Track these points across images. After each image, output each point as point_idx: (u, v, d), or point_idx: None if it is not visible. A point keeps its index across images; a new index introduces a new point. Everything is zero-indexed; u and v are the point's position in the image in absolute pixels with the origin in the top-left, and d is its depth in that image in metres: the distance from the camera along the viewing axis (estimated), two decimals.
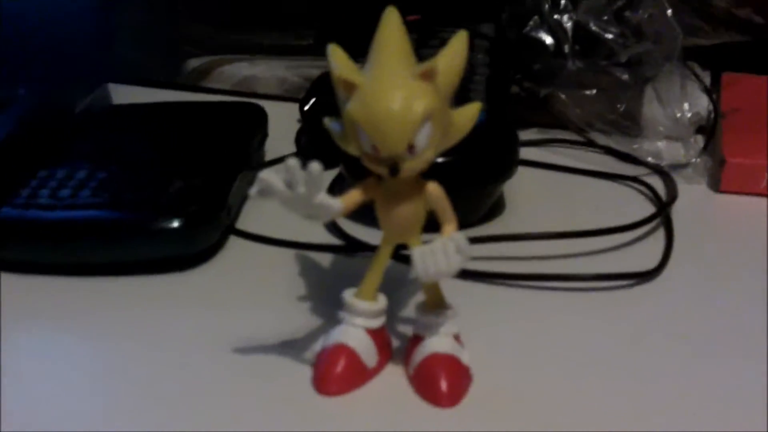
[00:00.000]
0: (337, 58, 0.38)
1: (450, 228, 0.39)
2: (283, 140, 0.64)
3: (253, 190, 0.36)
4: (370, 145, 0.37)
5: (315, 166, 0.35)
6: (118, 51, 0.75)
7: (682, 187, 0.58)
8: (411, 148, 0.36)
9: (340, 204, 0.37)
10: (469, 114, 0.39)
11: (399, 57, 0.37)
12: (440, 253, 0.37)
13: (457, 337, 0.41)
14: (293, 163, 0.35)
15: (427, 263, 0.37)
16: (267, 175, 0.36)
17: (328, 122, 0.39)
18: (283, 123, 0.66)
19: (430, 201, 0.39)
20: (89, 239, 0.48)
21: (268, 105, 0.66)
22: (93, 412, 0.40)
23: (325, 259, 0.51)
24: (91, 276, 0.49)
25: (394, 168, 0.37)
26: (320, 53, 0.71)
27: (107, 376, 0.42)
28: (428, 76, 0.36)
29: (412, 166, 0.37)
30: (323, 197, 0.36)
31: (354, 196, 0.39)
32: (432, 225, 0.39)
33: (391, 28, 0.37)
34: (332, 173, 0.57)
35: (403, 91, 0.36)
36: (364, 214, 0.40)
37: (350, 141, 0.38)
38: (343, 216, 0.38)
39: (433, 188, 0.39)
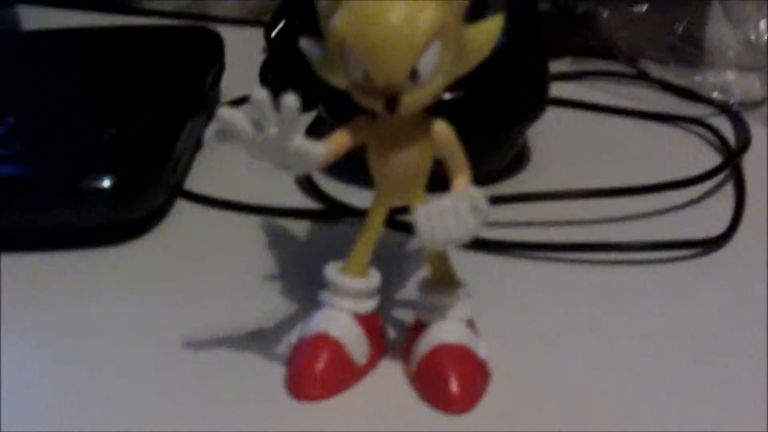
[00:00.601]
0: None
1: (462, 182, 0.38)
2: (245, 75, 0.63)
3: (209, 132, 0.35)
4: (362, 72, 0.36)
5: (291, 99, 0.34)
6: None
7: (756, 132, 0.58)
8: (414, 74, 0.36)
9: (321, 149, 0.37)
10: (489, 31, 0.38)
11: None
12: (451, 214, 0.37)
13: (471, 324, 0.41)
14: (262, 96, 0.34)
15: (434, 226, 0.37)
16: (228, 113, 0.35)
17: (307, 45, 0.39)
18: (243, 53, 0.65)
19: (437, 146, 0.38)
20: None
21: (224, 30, 0.65)
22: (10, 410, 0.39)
23: (299, 227, 0.51)
24: (6, 251, 0.48)
25: (392, 101, 0.36)
26: None
27: (30, 370, 0.42)
28: None
29: (415, 100, 0.36)
30: (300, 140, 0.36)
31: (340, 141, 0.38)
32: (433, 183, 0.39)
33: None
34: (309, 117, 0.56)
35: (405, 1, 0.35)
36: (348, 169, 0.40)
37: (336, 69, 0.37)
38: (324, 165, 0.38)
39: (442, 129, 0.38)
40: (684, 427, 0.38)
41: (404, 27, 0.35)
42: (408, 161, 0.38)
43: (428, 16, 0.35)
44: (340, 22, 0.36)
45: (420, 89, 0.36)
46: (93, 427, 0.39)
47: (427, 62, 0.36)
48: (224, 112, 0.35)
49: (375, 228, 0.40)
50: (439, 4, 0.35)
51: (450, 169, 0.39)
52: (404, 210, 0.39)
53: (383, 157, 0.38)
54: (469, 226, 0.37)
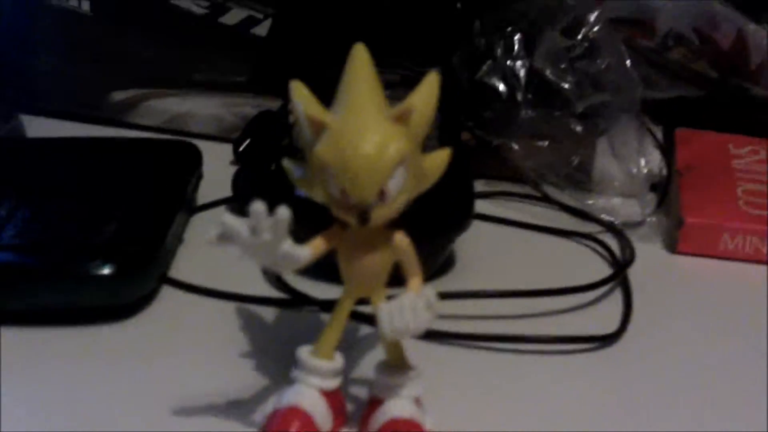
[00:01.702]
0: (301, 96, 0.38)
1: (416, 281, 0.38)
2: (216, 182, 0.62)
3: (212, 234, 0.35)
4: (338, 190, 0.36)
5: (283, 211, 0.34)
6: (34, 80, 0.73)
7: (638, 247, 0.58)
8: (382, 194, 0.36)
9: (308, 252, 0.36)
10: (439, 160, 0.39)
11: (370, 97, 0.36)
12: (408, 310, 0.36)
13: (418, 401, 0.40)
14: (259, 207, 0.34)
15: (394, 320, 0.36)
16: (230, 220, 0.35)
17: (289, 165, 0.38)
18: (215, 164, 0.65)
19: (397, 252, 0.38)
20: (12, 285, 0.46)
21: (199, 145, 0.65)
22: None
23: (267, 313, 0.50)
24: (10, 325, 0.46)
25: (363, 215, 0.36)
26: (257, 91, 0.71)
27: None
28: (402, 119, 0.36)
29: (382, 214, 0.36)
30: (289, 246, 0.35)
31: (318, 245, 0.38)
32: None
33: (361, 65, 0.37)
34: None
35: (377, 134, 0.35)
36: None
37: (315, 185, 0.37)
38: (307, 265, 0.37)
39: (401, 238, 0.38)
40: None
41: (376, 155, 0.35)
42: (372, 264, 0.38)
43: (396, 146, 0.35)
44: (322, 148, 0.36)
45: (387, 206, 0.36)
46: None
47: (394, 184, 0.36)
48: (228, 219, 0.35)
49: (342, 318, 0.40)
50: (404, 137, 0.36)
51: (407, 270, 0.39)
52: (364, 302, 0.39)
53: (352, 260, 0.38)
54: (425, 320, 0.36)
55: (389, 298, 0.38)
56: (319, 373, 0.39)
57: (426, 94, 0.38)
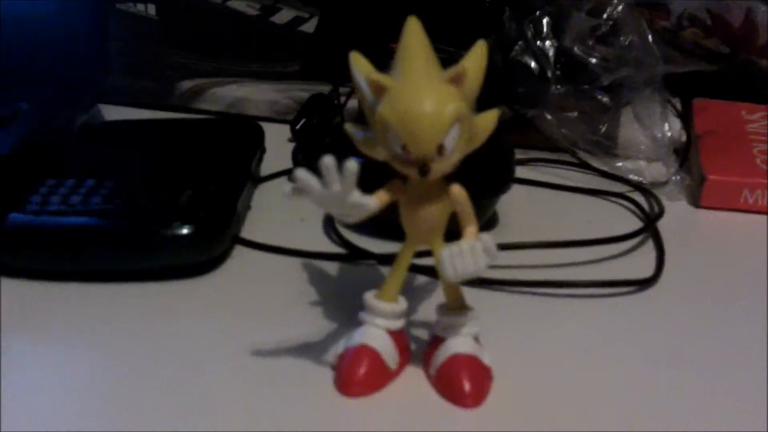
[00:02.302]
0: (361, 65, 0.37)
1: (472, 229, 0.37)
2: (276, 159, 0.62)
3: (287, 189, 0.34)
4: (400, 147, 0.35)
5: (351, 164, 0.34)
6: (111, 75, 0.73)
7: (665, 203, 0.57)
8: (440, 149, 0.35)
9: (374, 201, 0.36)
10: (489, 119, 0.38)
11: (426, 62, 0.36)
12: (468, 254, 0.36)
13: (477, 339, 0.39)
14: (329, 161, 0.33)
15: (455, 264, 0.36)
16: (303, 174, 0.34)
17: (351, 128, 0.38)
18: (274, 142, 0.64)
19: (454, 203, 0.37)
20: (100, 246, 0.46)
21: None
22: (106, 420, 0.37)
23: (328, 267, 0.49)
24: (99, 282, 0.46)
25: (424, 168, 0.35)
26: (307, 78, 0.71)
27: (120, 383, 0.39)
28: (457, 81, 0.35)
29: (440, 167, 0.36)
30: (358, 195, 0.35)
31: (383, 197, 0.37)
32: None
33: (415, 35, 0.36)
34: None
35: (435, 94, 0.35)
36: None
37: (376, 145, 0.36)
38: (374, 213, 0.37)
39: (458, 190, 0.37)
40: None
41: (434, 114, 0.34)
42: (432, 215, 0.38)
43: (451, 106, 0.35)
44: (384, 108, 0.35)
45: (445, 160, 0.35)
46: (190, 418, 0.37)
47: (450, 140, 0.35)
48: (300, 174, 0.34)
49: (404, 265, 0.39)
50: (459, 97, 0.35)
51: (463, 220, 0.38)
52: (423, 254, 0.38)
53: (412, 212, 0.38)
54: (483, 264, 0.36)
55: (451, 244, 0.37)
56: (384, 315, 0.39)
57: (476, 58, 0.37)
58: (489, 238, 0.36)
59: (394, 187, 0.38)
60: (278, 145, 0.65)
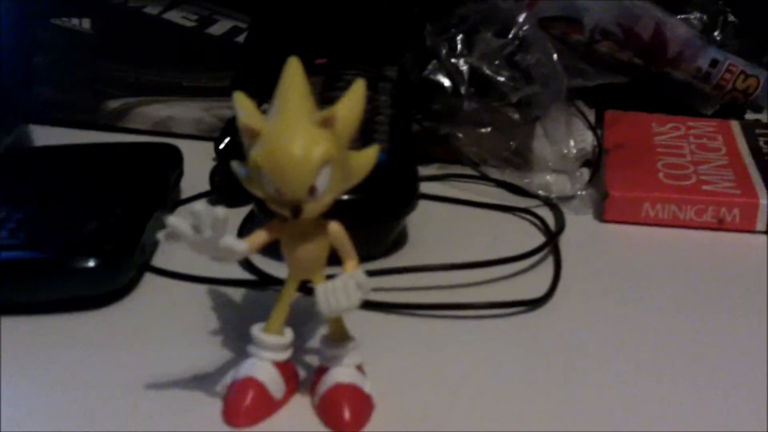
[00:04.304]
0: (243, 105, 0.38)
1: (351, 264, 0.39)
2: (200, 178, 0.63)
3: (160, 235, 0.36)
4: (273, 188, 0.36)
5: (220, 210, 0.35)
6: (37, 92, 0.73)
7: (570, 218, 0.59)
8: (312, 191, 0.36)
9: (245, 246, 0.37)
10: (367, 157, 0.39)
11: (300, 105, 0.37)
12: (341, 291, 0.37)
13: (359, 368, 0.41)
14: (199, 207, 0.35)
15: (329, 300, 0.37)
16: (174, 221, 0.35)
17: (236, 166, 0.39)
18: (199, 161, 0.65)
19: (331, 240, 0.39)
20: (7, 280, 0.47)
21: (185, 144, 0.65)
22: None
23: (238, 294, 0.50)
24: (5, 315, 0.47)
25: (296, 210, 0.36)
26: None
27: (13, 416, 0.40)
28: (327, 124, 0.36)
29: (313, 208, 0.37)
30: (229, 240, 0.36)
31: (259, 237, 0.38)
32: (337, 258, 0.39)
33: (294, 76, 0.37)
34: (245, 210, 0.57)
35: (304, 138, 0.36)
36: (275, 249, 0.40)
37: (255, 184, 0.37)
38: (248, 256, 0.38)
39: (335, 228, 0.39)
40: None
41: (303, 157, 0.36)
42: (310, 252, 0.39)
43: (321, 148, 0.36)
44: (256, 152, 0.36)
45: (317, 201, 0.37)
46: None
47: (322, 182, 0.36)
48: (171, 221, 0.35)
49: (288, 298, 0.40)
50: (330, 139, 0.36)
51: (342, 255, 0.39)
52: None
53: (292, 249, 0.39)
54: (356, 299, 0.37)
55: (329, 277, 0.39)
56: (270, 347, 0.40)
57: (352, 99, 0.38)
58: (361, 274, 0.37)
59: (274, 226, 0.39)
60: (205, 164, 0.66)
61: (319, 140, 0.36)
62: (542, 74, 0.62)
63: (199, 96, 0.73)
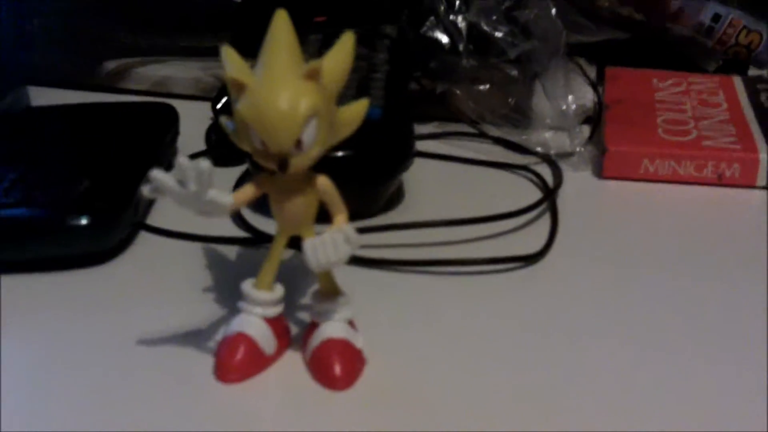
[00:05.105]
0: (231, 60, 0.38)
1: (340, 219, 0.38)
2: (198, 137, 0.62)
3: (145, 189, 0.35)
4: (259, 142, 0.36)
5: (204, 163, 0.34)
6: (35, 54, 0.73)
7: (569, 175, 0.58)
8: (299, 144, 0.36)
9: (230, 199, 0.36)
10: (356, 111, 0.39)
11: (286, 58, 0.36)
12: (330, 244, 0.37)
13: (351, 323, 0.40)
14: (183, 161, 0.34)
15: (317, 254, 0.37)
16: (158, 174, 0.35)
17: (224, 121, 0.38)
18: (197, 121, 0.64)
19: (320, 194, 0.38)
20: (1, 238, 0.47)
21: (183, 104, 0.65)
22: None
23: (231, 251, 0.50)
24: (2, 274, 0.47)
25: (283, 163, 0.36)
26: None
27: (10, 373, 0.40)
28: (312, 76, 0.36)
29: (300, 162, 0.36)
30: (214, 194, 0.35)
31: (246, 192, 0.38)
32: (326, 215, 0.39)
33: (280, 30, 0.37)
34: (241, 168, 0.56)
35: (289, 91, 0.35)
36: (268, 206, 0.39)
37: (242, 138, 0.37)
38: (235, 211, 0.37)
39: (323, 181, 0.38)
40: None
41: (289, 110, 0.35)
42: (298, 207, 0.38)
43: (307, 101, 0.35)
44: (242, 106, 0.36)
45: (304, 154, 0.36)
46: (75, 409, 0.38)
47: (308, 135, 0.36)
48: (155, 174, 0.35)
49: (278, 254, 0.40)
50: (315, 92, 0.36)
51: (331, 210, 0.39)
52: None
53: (280, 204, 0.38)
54: (344, 253, 0.37)
55: (318, 233, 0.38)
56: (260, 303, 0.40)
57: (338, 52, 0.38)
58: (350, 228, 0.37)
59: (262, 180, 0.38)
60: (204, 124, 0.65)
61: (304, 93, 0.35)
62: (541, 29, 0.61)
63: (197, 56, 0.72)
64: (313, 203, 0.38)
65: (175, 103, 0.64)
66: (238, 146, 0.38)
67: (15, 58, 0.71)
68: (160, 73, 0.72)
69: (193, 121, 0.63)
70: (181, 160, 0.34)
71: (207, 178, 0.34)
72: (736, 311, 0.45)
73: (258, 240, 0.50)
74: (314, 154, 0.36)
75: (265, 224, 0.51)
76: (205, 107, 0.67)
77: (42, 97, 0.69)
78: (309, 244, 0.37)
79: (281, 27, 0.37)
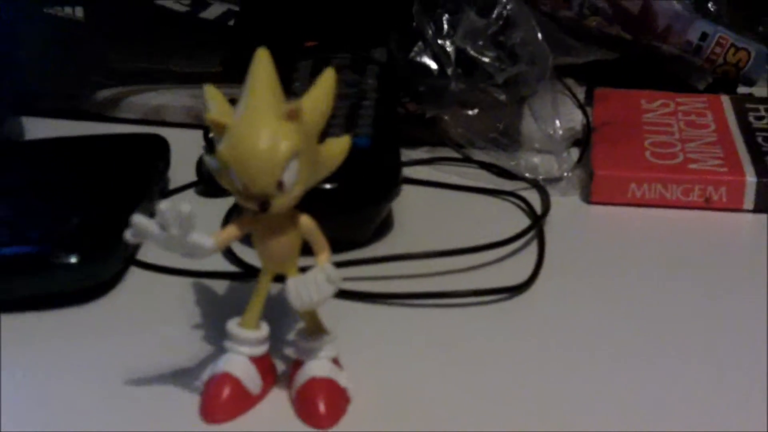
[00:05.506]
0: (213, 99, 0.38)
1: (323, 257, 0.38)
2: (190, 167, 0.62)
3: (128, 234, 0.35)
4: (241, 184, 0.36)
5: (184, 206, 0.34)
6: (28, 83, 0.73)
7: (557, 200, 0.58)
8: (280, 185, 0.36)
9: (212, 242, 0.37)
10: (338, 148, 0.39)
11: (266, 98, 0.36)
12: (312, 284, 0.37)
13: (335, 361, 0.40)
14: (163, 206, 0.34)
15: (300, 294, 0.37)
16: (139, 219, 0.35)
17: (208, 159, 0.38)
18: (189, 149, 0.65)
19: (303, 232, 0.38)
20: None
21: (176, 132, 0.65)
22: None
23: (222, 285, 0.50)
24: None
25: (264, 205, 0.36)
26: (227, 80, 0.71)
27: (2, 410, 0.40)
28: (293, 116, 0.36)
29: (281, 203, 0.36)
30: (196, 237, 0.35)
31: (229, 233, 0.38)
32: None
33: (261, 69, 0.37)
34: (231, 200, 0.56)
35: (269, 131, 0.35)
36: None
37: (225, 178, 0.37)
38: (219, 251, 0.37)
39: (305, 221, 0.38)
40: None
41: (268, 152, 0.35)
42: (282, 246, 0.38)
43: (287, 143, 0.35)
44: (222, 147, 0.36)
45: (285, 195, 0.36)
46: None
47: (290, 175, 0.36)
48: (136, 219, 0.35)
49: (263, 292, 0.40)
50: (296, 132, 0.36)
51: (314, 248, 0.39)
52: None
53: (263, 243, 0.38)
54: (326, 293, 0.37)
55: (303, 270, 0.38)
56: (245, 342, 0.40)
57: (319, 90, 0.38)
58: (331, 267, 0.37)
59: (245, 221, 0.38)
60: (196, 153, 0.65)
61: (284, 134, 0.35)
62: (528, 53, 0.61)
63: (189, 82, 0.72)
64: (297, 242, 0.38)
65: (168, 131, 0.64)
66: (222, 185, 0.38)
67: (7, 88, 0.71)
68: (152, 101, 0.72)
69: (185, 150, 0.63)
70: (162, 205, 0.34)
71: (188, 221, 0.35)
72: (726, 334, 0.45)
73: (248, 274, 0.50)
74: (296, 194, 0.37)
75: (255, 258, 0.50)
76: (197, 135, 0.67)
77: (34, 127, 0.69)
78: (292, 284, 0.37)
79: (262, 66, 0.37)
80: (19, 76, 0.73)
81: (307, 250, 0.39)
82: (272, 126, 0.35)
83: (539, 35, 0.61)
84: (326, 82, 0.38)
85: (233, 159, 0.35)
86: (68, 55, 0.73)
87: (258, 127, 0.35)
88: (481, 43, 0.61)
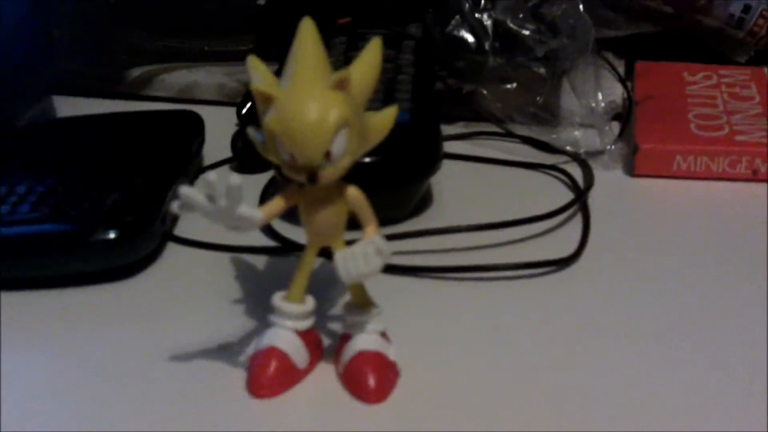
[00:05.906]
0: (256, 71, 0.37)
1: (371, 229, 0.38)
2: (223, 144, 0.62)
3: (174, 205, 0.35)
4: (288, 154, 0.35)
5: (234, 178, 0.34)
6: (61, 63, 0.73)
7: (599, 173, 0.57)
8: (328, 155, 0.35)
9: (260, 214, 0.36)
10: (386, 118, 0.38)
11: (314, 68, 0.36)
12: (360, 257, 0.36)
13: (383, 334, 0.40)
14: (212, 177, 0.34)
15: (348, 266, 0.36)
16: (187, 191, 0.34)
17: (252, 132, 0.38)
18: (222, 127, 0.64)
19: (350, 205, 0.38)
20: (29, 254, 0.47)
21: (208, 110, 0.64)
22: (32, 425, 0.38)
23: (260, 261, 0.49)
24: (30, 290, 0.47)
25: (312, 175, 0.35)
26: (259, 58, 0.70)
27: (48, 388, 0.40)
28: (341, 86, 0.35)
29: (330, 173, 0.36)
30: (244, 208, 0.35)
31: (276, 205, 0.37)
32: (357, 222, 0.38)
33: (307, 39, 0.36)
34: (267, 175, 0.55)
35: (318, 102, 0.35)
36: (297, 214, 0.39)
37: (271, 150, 0.36)
38: (265, 224, 0.37)
39: (353, 192, 0.38)
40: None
41: (317, 123, 0.34)
42: (328, 218, 0.38)
43: (335, 113, 0.35)
44: (270, 119, 0.35)
45: (333, 165, 0.36)
46: (108, 420, 0.38)
47: (338, 146, 0.35)
48: (184, 191, 0.34)
49: (308, 265, 0.39)
50: (344, 102, 0.35)
51: (361, 220, 0.38)
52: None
53: (310, 215, 0.38)
54: (375, 265, 0.36)
55: (350, 243, 0.37)
56: (291, 316, 0.39)
57: (366, 60, 0.37)
58: (381, 239, 0.36)
59: (291, 192, 0.38)
60: (229, 130, 0.65)
61: (332, 104, 0.35)
62: (568, 26, 0.60)
63: (222, 60, 0.72)
64: (343, 214, 0.38)
65: (200, 109, 0.63)
66: (266, 158, 0.37)
67: (41, 68, 0.71)
68: (185, 79, 0.72)
69: (218, 128, 0.63)
70: (211, 176, 0.33)
71: (237, 193, 0.34)
72: None
73: (287, 249, 0.50)
74: (344, 164, 0.36)
75: (293, 233, 0.50)
76: (230, 113, 0.67)
77: (67, 106, 0.69)
78: (340, 256, 0.36)
79: (307, 36, 0.36)
80: (53, 56, 0.72)
81: (349, 225, 0.38)
82: (321, 96, 0.35)
83: (580, 7, 0.60)
84: (373, 51, 0.37)
85: (281, 130, 0.35)
86: (99, 36, 0.73)
87: (306, 97, 0.35)
88: (521, 15, 0.60)
